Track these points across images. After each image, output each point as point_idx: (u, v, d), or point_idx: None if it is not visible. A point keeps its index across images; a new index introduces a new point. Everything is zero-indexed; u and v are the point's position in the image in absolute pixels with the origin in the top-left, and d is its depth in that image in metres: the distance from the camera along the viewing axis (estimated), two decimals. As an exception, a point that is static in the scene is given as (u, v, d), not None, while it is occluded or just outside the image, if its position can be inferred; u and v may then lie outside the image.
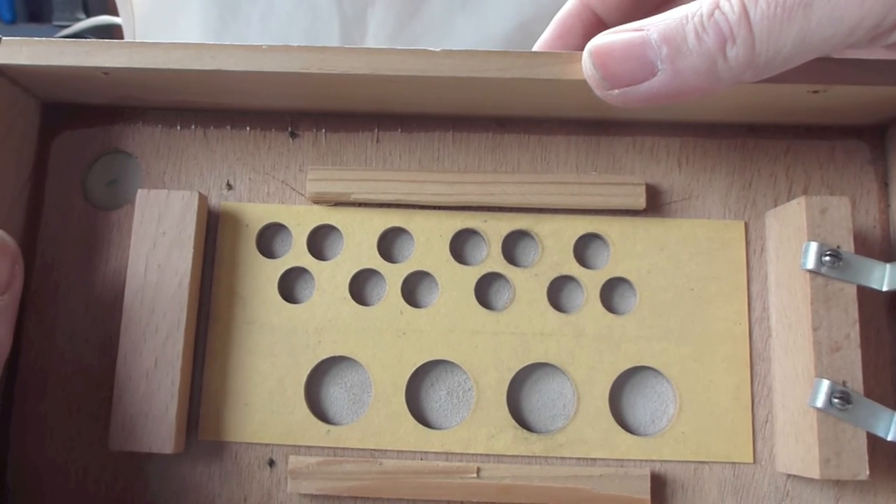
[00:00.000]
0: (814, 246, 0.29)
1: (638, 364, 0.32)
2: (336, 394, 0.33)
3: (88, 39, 0.30)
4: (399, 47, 0.30)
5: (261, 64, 0.30)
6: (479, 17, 0.55)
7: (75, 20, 1.24)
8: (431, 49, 0.30)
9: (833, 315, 0.29)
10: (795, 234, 0.31)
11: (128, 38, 0.69)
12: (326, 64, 0.30)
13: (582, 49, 0.33)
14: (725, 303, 0.33)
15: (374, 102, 0.33)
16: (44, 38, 0.31)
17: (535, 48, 0.36)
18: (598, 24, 0.35)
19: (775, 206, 0.34)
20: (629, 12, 0.35)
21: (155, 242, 0.32)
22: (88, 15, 1.26)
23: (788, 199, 0.34)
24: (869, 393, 0.30)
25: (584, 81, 0.28)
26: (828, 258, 0.29)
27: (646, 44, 0.26)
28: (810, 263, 0.29)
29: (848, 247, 0.29)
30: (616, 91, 0.27)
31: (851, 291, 0.29)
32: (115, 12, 0.74)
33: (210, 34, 0.60)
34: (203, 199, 0.33)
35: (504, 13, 0.53)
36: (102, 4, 1.32)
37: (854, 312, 0.29)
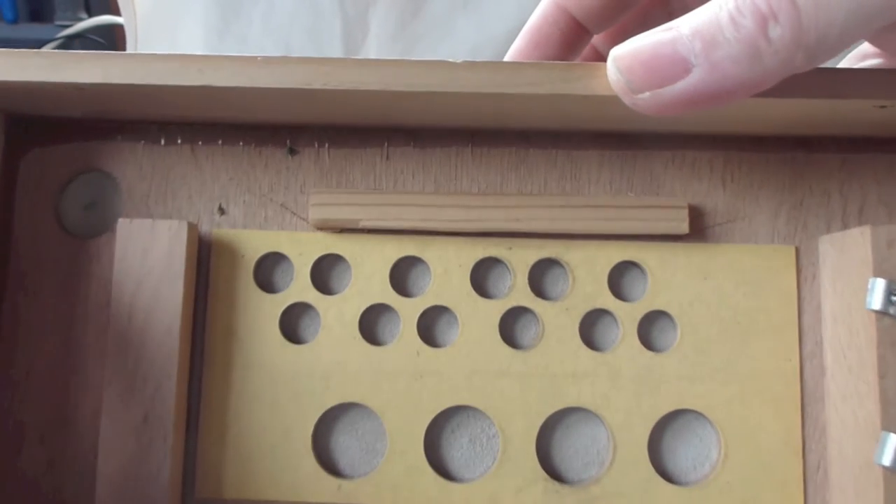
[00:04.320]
0: (881, 283, 0.26)
1: (679, 407, 0.29)
2: (347, 443, 0.30)
3: (57, 51, 0.26)
4: (412, 59, 0.26)
5: (255, 79, 0.26)
6: (480, 17, 0.53)
7: (77, 20, 1.24)
8: (451, 60, 0.26)
9: (902, 360, 0.26)
10: (858, 267, 0.27)
11: (129, 37, 0.68)
12: (331, 79, 0.26)
13: (561, 59, 0.30)
14: (774, 337, 0.30)
15: (382, 115, 0.29)
16: (5, 50, 0.27)
17: (508, 59, 0.32)
18: (578, 31, 0.31)
19: (828, 226, 0.30)
20: (613, 13, 0.31)
21: (140, 282, 0.28)
22: (90, 14, 1.27)
23: (843, 219, 0.30)
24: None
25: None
26: (898, 298, 0.26)
27: (676, 40, 0.23)
28: (877, 303, 0.26)
29: (919, 283, 0.26)
30: (646, 94, 0.23)
31: (922, 334, 0.26)
32: (117, 12, 0.73)
33: (212, 33, 0.60)
34: (193, 228, 0.29)
35: (506, 12, 0.51)
36: (104, 4, 1.33)
37: (925, 357, 0.26)
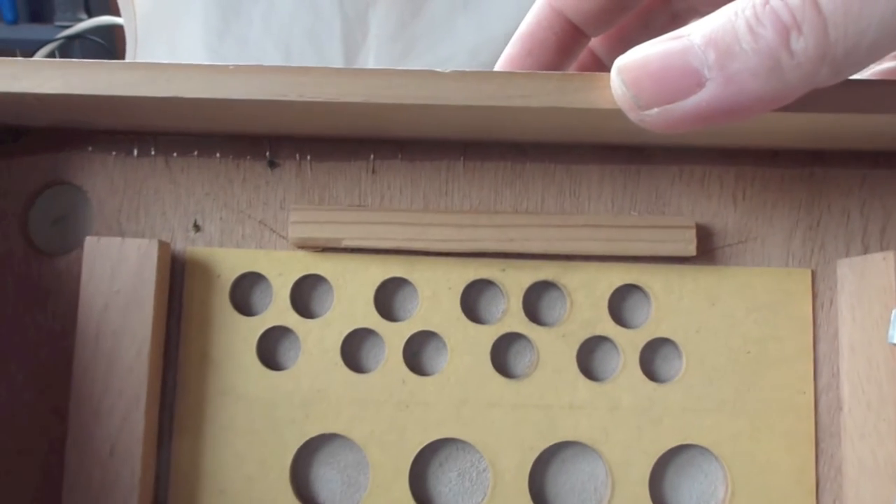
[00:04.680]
0: (905, 315, 0.24)
1: (683, 442, 0.27)
2: (328, 476, 0.28)
3: (15, 59, 0.24)
4: (401, 68, 0.24)
5: (227, 89, 0.24)
6: (480, 17, 0.52)
7: (77, 20, 1.24)
8: (439, 70, 0.24)
9: (926, 399, 0.24)
10: (879, 296, 0.25)
11: (129, 38, 0.68)
12: (308, 90, 0.24)
13: (557, 66, 0.28)
14: (787, 368, 0.27)
15: (368, 127, 0.27)
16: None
17: (499, 67, 0.30)
18: (575, 34, 0.29)
19: (847, 248, 0.28)
20: (612, 16, 0.29)
21: (107, 303, 0.26)
22: (90, 15, 1.28)
23: (863, 241, 0.28)
24: (964, 489, 0.25)
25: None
26: (923, 332, 0.24)
27: (688, 50, 0.20)
28: (900, 337, 0.24)
29: (946, 315, 0.24)
30: (655, 110, 0.21)
31: (949, 370, 0.24)
32: (116, 12, 0.73)
33: (212, 34, 0.60)
34: (165, 247, 0.27)
35: (506, 13, 0.50)
36: (104, 4, 1.34)
37: (952, 396, 0.24)
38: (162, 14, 0.65)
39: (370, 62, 0.63)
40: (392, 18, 0.59)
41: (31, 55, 0.88)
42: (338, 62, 0.64)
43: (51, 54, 0.87)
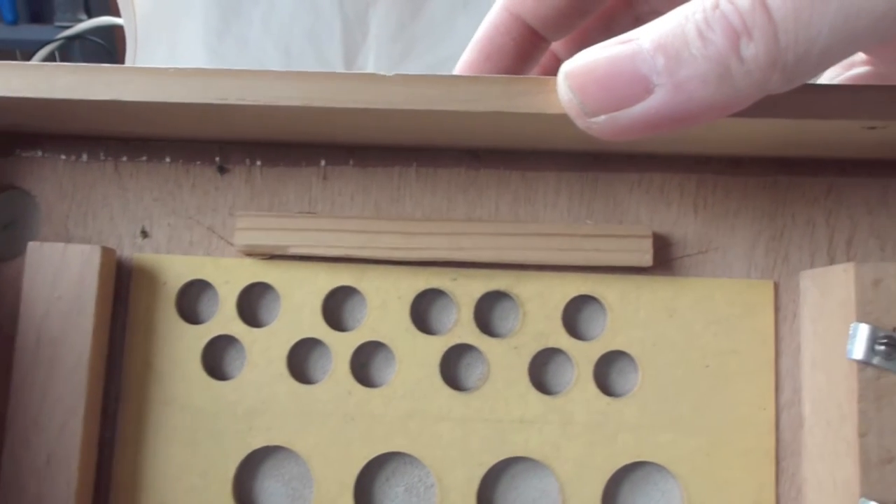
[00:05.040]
0: (864, 329, 0.23)
1: (638, 459, 0.26)
2: (272, 489, 0.27)
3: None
4: (345, 72, 0.23)
5: (168, 93, 0.24)
6: (480, 17, 0.52)
7: (77, 21, 1.25)
8: (383, 74, 0.23)
9: (886, 417, 0.23)
10: (840, 309, 0.24)
11: (129, 38, 0.68)
12: (249, 93, 0.23)
13: (517, 71, 0.28)
14: (748, 383, 0.27)
15: (318, 131, 0.27)
16: None
17: (457, 73, 0.30)
18: (534, 39, 0.28)
19: (812, 260, 0.27)
20: (571, 20, 0.28)
21: (48, 309, 0.26)
22: (90, 16, 1.28)
23: (829, 253, 0.27)
24: (927, 512, 0.24)
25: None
26: (882, 347, 0.23)
27: (636, 55, 0.20)
28: (859, 352, 0.23)
29: (907, 329, 0.23)
30: (602, 117, 0.20)
31: (910, 387, 0.23)
32: (116, 13, 0.74)
33: (212, 34, 0.60)
34: (108, 254, 0.27)
35: None
36: (104, 5, 1.35)
37: (913, 414, 0.23)
38: (162, 15, 0.66)
39: (370, 62, 0.63)
40: (392, 19, 0.59)
41: (31, 56, 0.88)
42: (338, 62, 0.64)
43: (51, 55, 0.88)
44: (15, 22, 1.43)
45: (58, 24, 1.30)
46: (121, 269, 0.28)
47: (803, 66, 0.19)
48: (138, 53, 0.68)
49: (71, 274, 0.26)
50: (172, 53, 0.65)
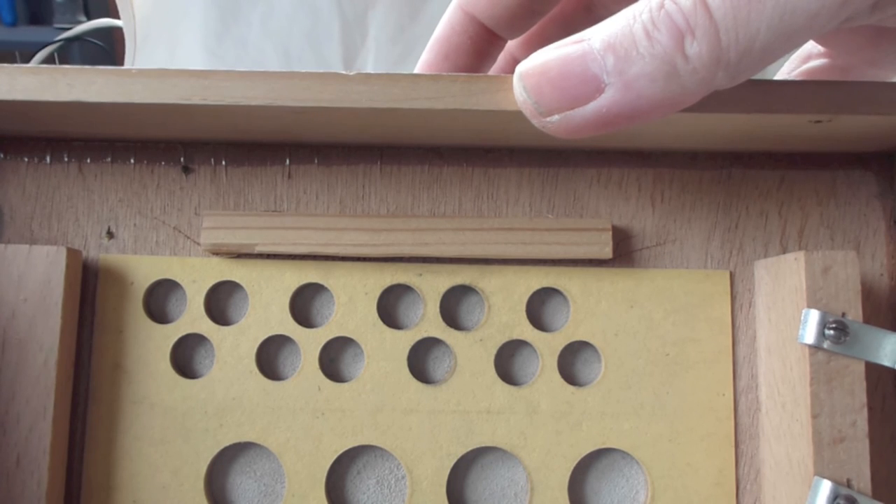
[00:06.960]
0: (814, 315, 0.24)
1: (603, 446, 0.27)
2: (244, 485, 0.27)
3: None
4: (310, 71, 0.24)
5: (130, 93, 0.24)
6: None
7: (76, 22, 1.25)
8: (344, 73, 0.24)
9: (836, 399, 0.24)
10: (791, 296, 0.25)
11: (129, 40, 0.68)
12: (211, 93, 0.24)
13: (475, 69, 0.29)
14: (707, 370, 0.27)
15: (282, 131, 0.27)
16: None
17: (417, 72, 0.30)
18: (490, 38, 0.29)
19: (765, 250, 0.28)
20: (524, 21, 0.29)
21: (14, 311, 0.26)
22: (89, 17, 1.28)
23: (782, 242, 0.28)
24: (878, 488, 0.25)
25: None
26: (832, 331, 0.24)
27: (587, 55, 0.20)
28: (810, 336, 0.24)
29: (856, 314, 0.24)
30: (556, 117, 0.21)
31: (859, 369, 0.24)
32: (116, 14, 0.73)
33: (211, 36, 0.60)
34: (74, 255, 0.27)
35: None
36: (103, 6, 1.34)
37: (862, 395, 0.24)
38: (161, 17, 0.66)
39: (369, 64, 0.63)
40: (391, 21, 0.59)
41: (31, 57, 0.87)
42: (337, 64, 0.63)
43: (50, 56, 0.86)
44: (14, 23, 1.42)
45: (57, 25, 1.30)
46: (87, 269, 0.28)
47: (746, 62, 0.20)
48: (137, 55, 0.67)
49: (36, 275, 0.26)
50: (171, 55, 0.65)
